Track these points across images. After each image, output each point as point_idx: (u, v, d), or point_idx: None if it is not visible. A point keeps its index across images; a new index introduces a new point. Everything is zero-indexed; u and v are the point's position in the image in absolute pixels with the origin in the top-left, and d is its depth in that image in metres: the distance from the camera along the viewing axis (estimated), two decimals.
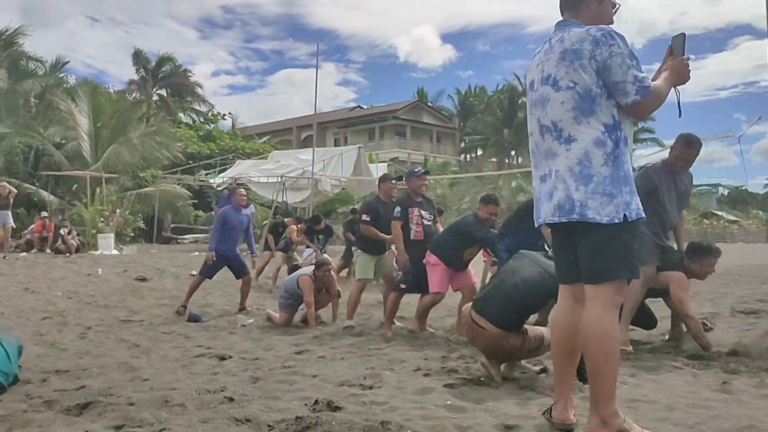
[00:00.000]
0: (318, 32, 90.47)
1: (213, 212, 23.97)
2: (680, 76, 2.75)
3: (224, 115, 42.72)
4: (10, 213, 14.94)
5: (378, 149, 45.06)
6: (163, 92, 41.40)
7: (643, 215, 2.70)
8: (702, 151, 5.17)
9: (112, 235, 17.70)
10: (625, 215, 2.60)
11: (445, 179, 37.57)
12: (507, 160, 52.17)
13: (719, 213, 52.29)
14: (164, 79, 41.36)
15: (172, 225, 24.59)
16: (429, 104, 56.39)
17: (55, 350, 5.40)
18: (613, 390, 2.64)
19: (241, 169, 23.12)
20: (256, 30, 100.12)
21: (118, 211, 19.71)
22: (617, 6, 2.88)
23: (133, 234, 22.17)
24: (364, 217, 6.78)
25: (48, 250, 16.21)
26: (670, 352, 4.89)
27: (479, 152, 56.54)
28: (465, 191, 40.70)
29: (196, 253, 17.13)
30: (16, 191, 15.99)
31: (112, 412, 3.29)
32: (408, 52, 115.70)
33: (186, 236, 23.96)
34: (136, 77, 41.10)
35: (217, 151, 29.73)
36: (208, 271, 7.97)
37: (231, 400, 3.54)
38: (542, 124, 2.81)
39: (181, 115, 39.83)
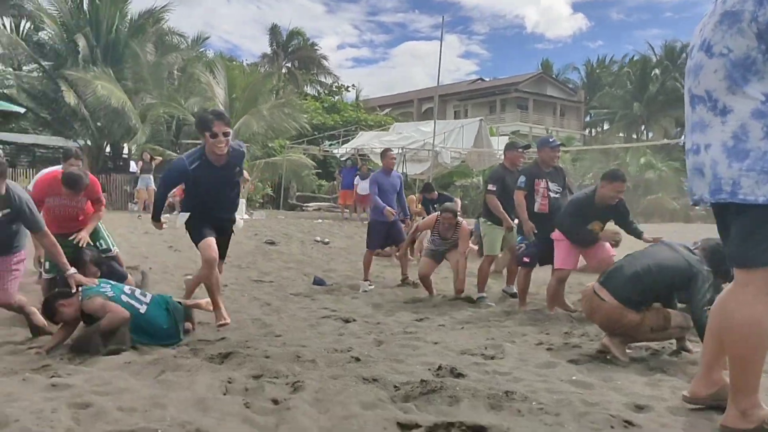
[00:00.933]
0: (441, 4, 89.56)
1: (335, 182, 24.67)
2: None
3: (348, 87, 43.56)
4: (151, 177, 16.32)
5: (499, 122, 44.22)
6: (291, 65, 42.84)
7: None
8: None
9: (243, 200, 18.72)
10: None
11: (567, 153, 36.29)
12: (635, 135, 49.51)
13: None
14: (293, 53, 42.77)
15: (297, 193, 25.55)
16: (553, 77, 54.46)
17: None
18: (757, 382, 2.49)
19: (363, 140, 23.54)
20: (380, 3, 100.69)
21: (249, 178, 20.77)
22: None
23: (261, 200, 23.33)
24: (490, 186, 6.49)
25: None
26: None
27: (605, 126, 54.05)
28: (588, 167, 39.13)
29: (320, 221, 17.76)
30: (160, 158, 17.34)
31: (251, 362, 3.54)
32: (535, 23, 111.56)
33: (309, 204, 24.84)
34: (269, 51, 42.86)
35: (341, 122, 30.42)
36: (373, 243, 7.80)
37: (357, 359, 3.70)
38: (693, 94, 2.60)
39: (306, 87, 41.06)
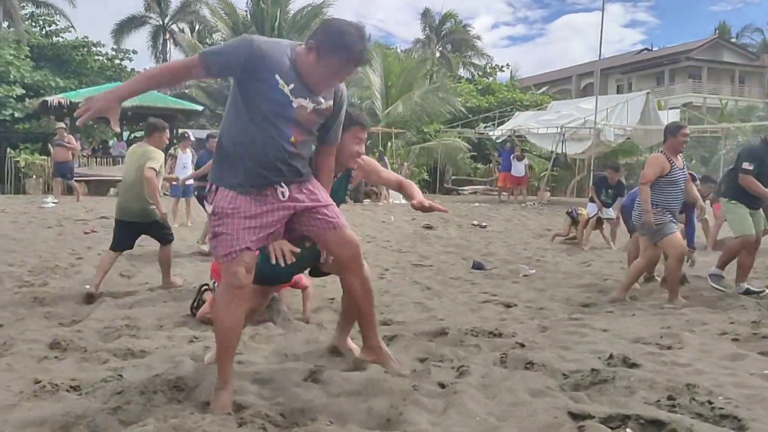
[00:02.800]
0: None
1: (492, 164, 24.36)
2: None
3: (502, 67, 42.65)
4: None
5: (667, 94, 41.05)
6: (444, 49, 42.77)
7: None
8: None
9: None
10: None
11: (747, 126, 32.86)
12: None
13: None
14: (446, 36, 42.67)
15: (453, 177, 25.57)
16: (731, 41, 49.46)
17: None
18: None
19: (519, 121, 22.97)
20: None
21: (405, 164, 21.14)
22: None
23: (418, 185, 23.66)
24: (746, 165, 5.84)
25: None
26: None
27: None
28: None
29: (476, 204, 17.67)
30: None
31: (416, 345, 3.62)
32: None
33: (465, 188, 24.77)
34: (422, 36, 43.13)
35: (495, 104, 29.91)
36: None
37: (522, 345, 3.64)
38: None
39: (460, 70, 40.80)
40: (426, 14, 42.88)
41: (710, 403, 2.51)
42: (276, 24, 23.94)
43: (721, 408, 2.46)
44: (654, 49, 53.50)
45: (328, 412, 2.49)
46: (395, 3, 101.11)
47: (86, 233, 9.24)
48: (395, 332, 3.95)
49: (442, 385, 2.86)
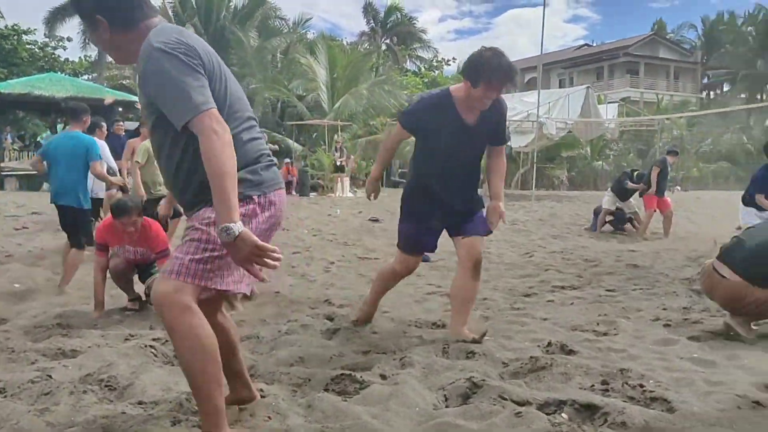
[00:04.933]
0: None
1: None
2: None
3: (447, 60, 43.02)
4: None
5: (607, 89, 42.25)
6: (390, 41, 42.83)
7: None
8: None
9: (348, 178, 19.04)
10: None
11: (682, 119, 34.10)
12: (760, 96, 45.75)
13: None
14: (391, 29, 42.72)
15: (400, 170, 25.67)
16: (667, 38, 51.17)
17: (305, 281, 6.02)
18: None
19: None
20: None
21: (352, 157, 21.08)
22: None
23: (365, 178, 23.64)
24: None
25: (293, 192, 18.00)
26: None
27: (725, 88, 50.31)
28: (706, 132, 36.63)
29: None
30: (275, 146, 18.07)
31: (359, 338, 3.60)
32: None
33: None
34: (366, 29, 43.04)
35: None
36: None
37: None
38: None
39: (407, 63, 40.94)
40: (369, 6, 42.74)
41: (642, 386, 2.59)
42: (221, 14, 23.51)
43: (652, 391, 2.54)
44: (594, 44, 54.82)
45: (268, 408, 2.45)
46: None
47: (17, 229, 8.88)
48: (338, 325, 3.93)
49: (384, 377, 2.86)
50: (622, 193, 10.57)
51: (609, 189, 11.16)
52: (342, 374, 2.77)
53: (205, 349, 1.97)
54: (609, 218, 10.79)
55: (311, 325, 3.98)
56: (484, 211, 3.67)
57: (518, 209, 14.87)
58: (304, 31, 26.78)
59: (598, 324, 4.04)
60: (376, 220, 11.47)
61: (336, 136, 20.26)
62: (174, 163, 2.07)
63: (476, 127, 3.52)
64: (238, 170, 1.91)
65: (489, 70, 3.27)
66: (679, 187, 26.33)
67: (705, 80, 52.53)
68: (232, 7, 23.52)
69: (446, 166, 3.56)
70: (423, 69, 40.05)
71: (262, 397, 2.52)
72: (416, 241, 3.81)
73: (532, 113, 18.59)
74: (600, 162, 30.15)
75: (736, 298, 3.60)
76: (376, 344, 3.45)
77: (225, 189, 1.84)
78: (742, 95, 46.44)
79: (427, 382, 2.77)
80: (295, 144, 22.76)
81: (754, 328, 3.70)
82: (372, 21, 42.81)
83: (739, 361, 3.08)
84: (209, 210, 1.99)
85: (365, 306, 4.02)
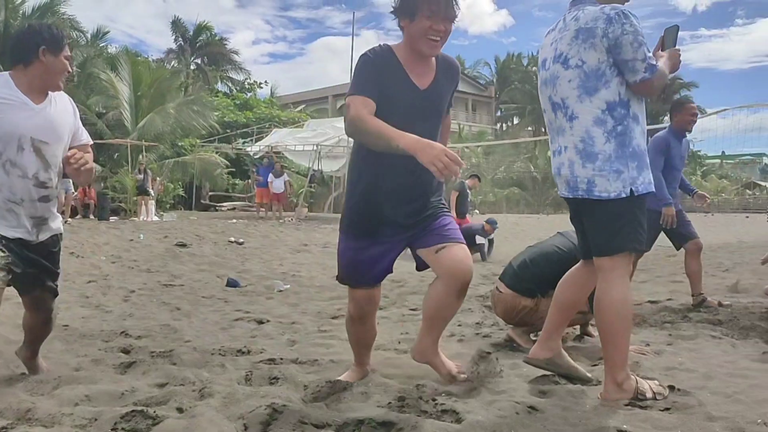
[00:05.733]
0: (353, 0, 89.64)
1: (250, 180, 24.24)
2: (675, 65, 2.89)
3: (261, 83, 42.77)
4: (71, 181, 15.35)
5: None
6: (201, 61, 41.65)
7: (652, 189, 2.79)
8: (749, 120, 5.22)
9: (153, 202, 18.06)
10: (631, 190, 2.71)
11: (479, 147, 37.20)
12: (543, 129, 51.33)
13: (762, 183, 50.82)
14: (201, 48, 41.56)
15: (210, 193, 24.94)
16: (464, 73, 55.71)
17: (100, 312, 5.58)
18: (627, 355, 2.81)
19: (277, 137, 23.25)
20: None
21: (158, 179, 20.07)
22: None
23: (172, 201, 22.61)
24: None
25: (91, 216, 16.66)
26: (708, 321, 4.83)
27: (515, 121, 55.87)
28: (500, 160, 40.29)
29: (235, 221, 17.41)
30: None
31: (156, 371, 3.41)
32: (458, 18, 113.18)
33: (224, 204, 24.29)
34: (174, 46, 41.45)
35: (254, 119, 29.87)
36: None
37: (270, 361, 3.64)
38: (554, 102, 2.88)
39: (218, 84, 40.05)
40: (177, 23, 41.30)
41: (434, 400, 2.74)
42: (4, 22, 21.21)
43: (443, 404, 2.70)
44: None
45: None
46: (146, 10, 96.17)
47: None
48: (134, 358, 3.69)
49: (180, 410, 2.72)
50: None
51: None
52: (133, 411, 2.58)
53: None
54: None
55: (103, 360, 3.69)
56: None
57: (330, 232, 15.11)
58: (104, 44, 25.07)
59: (399, 342, 4.21)
60: (184, 245, 11.01)
61: (140, 157, 19.17)
62: None
63: (429, 93, 2.88)
64: None
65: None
66: (477, 211, 28.48)
67: (498, 113, 57.84)
68: (20, 13, 21.39)
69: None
70: (235, 90, 39.44)
71: None
72: (358, 264, 3.01)
73: (344, 138, 19.12)
74: None
75: (509, 309, 4.04)
76: (174, 376, 3.28)
77: None
78: (529, 128, 51.83)
79: (227, 412, 2.68)
80: (94, 164, 21.11)
81: (533, 338, 4.10)
82: (180, 39, 41.37)
83: (519, 369, 3.39)
84: None
85: (353, 368, 3.32)
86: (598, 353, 3.71)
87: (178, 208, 23.03)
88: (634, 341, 4.00)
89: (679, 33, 2.98)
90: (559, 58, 2.81)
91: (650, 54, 2.71)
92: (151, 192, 17.97)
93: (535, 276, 4.01)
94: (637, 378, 2.84)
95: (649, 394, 2.79)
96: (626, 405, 2.72)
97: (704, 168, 52.58)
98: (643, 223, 2.80)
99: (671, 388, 2.91)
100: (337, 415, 2.60)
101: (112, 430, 2.48)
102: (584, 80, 2.71)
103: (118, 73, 21.54)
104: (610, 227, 2.74)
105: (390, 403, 2.75)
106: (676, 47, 2.94)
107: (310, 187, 23.11)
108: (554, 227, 7.33)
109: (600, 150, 2.71)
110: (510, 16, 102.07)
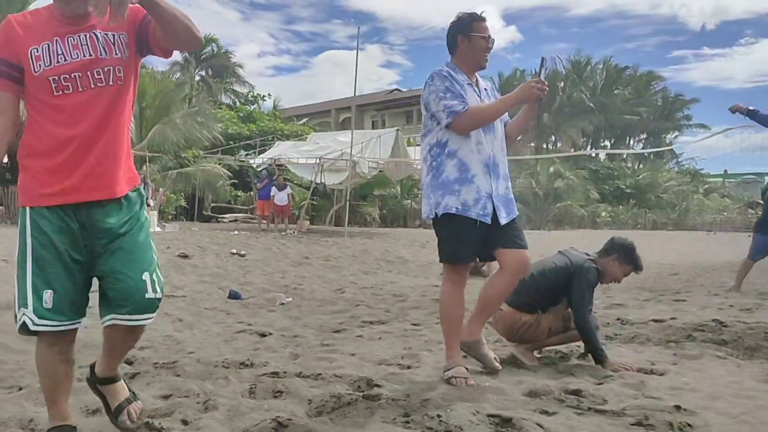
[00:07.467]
0: (357, 14, 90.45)
1: (252, 192, 24.30)
2: (523, 96, 3.44)
3: (264, 96, 42.96)
4: None
5: (415, 132, 44.71)
6: (205, 73, 41.89)
7: (450, 211, 3.39)
8: (752, 139, 5.26)
9: (156, 212, 18.10)
10: (436, 213, 3.45)
11: None
12: (545, 145, 51.49)
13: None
14: (206, 60, 41.83)
15: (212, 204, 24.98)
16: None
17: None
18: (447, 340, 3.64)
19: (280, 150, 23.29)
20: (295, 12, 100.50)
21: (161, 189, 20.11)
22: (491, 40, 3.51)
23: (175, 212, 22.64)
24: None
25: None
26: (713, 341, 4.81)
27: (518, 137, 55.99)
28: None
29: (236, 233, 17.41)
30: None
31: (160, 382, 3.40)
32: None
33: (225, 215, 24.32)
34: (179, 58, 41.68)
35: (257, 132, 29.97)
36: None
37: (273, 374, 3.63)
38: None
39: (221, 96, 40.25)
40: None
41: (439, 416, 2.73)
42: None
43: (447, 421, 2.68)
44: (404, 90, 58.15)
45: None
46: None
47: None
48: (138, 369, 3.68)
49: (185, 422, 2.72)
50: None
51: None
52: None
53: None
54: None
55: None
56: None
57: (331, 245, 15.12)
58: None
59: (402, 357, 4.20)
60: (186, 256, 11.00)
61: (144, 168, 19.23)
62: None
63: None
64: None
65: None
66: None
67: None
68: None
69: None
70: (239, 103, 39.63)
71: None
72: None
73: (346, 152, 19.17)
74: (409, 200, 31.75)
75: (509, 326, 4.05)
76: (179, 387, 3.27)
77: None
78: (531, 144, 51.92)
79: (232, 425, 2.68)
80: None
81: (537, 356, 4.10)
82: (185, 51, 41.67)
83: (523, 386, 3.37)
84: None
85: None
86: (602, 372, 3.71)
87: (180, 218, 23.06)
88: (638, 360, 4.01)
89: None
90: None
91: (453, 102, 3.35)
92: (152, 203, 17.99)
93: (533, 292, 4.03)
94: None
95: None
96: (632, 424, 2.71)
97: (707, 186, 52.62)
98: (445, 240, 3.52)
99: (677, 408, 2.90)
100: (341, 430, 2.60)
101: None
102: (424, 128, 3.58)
103: None
104: (441, 241, 3.57)
105: (395, 419, 2.74)
106: (540, 77, 3.37)
107: (312, 200, 23.14)
108: (555, 243, 7.34)
109: (423, 181, 3.61)
110: (518, 32, 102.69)
